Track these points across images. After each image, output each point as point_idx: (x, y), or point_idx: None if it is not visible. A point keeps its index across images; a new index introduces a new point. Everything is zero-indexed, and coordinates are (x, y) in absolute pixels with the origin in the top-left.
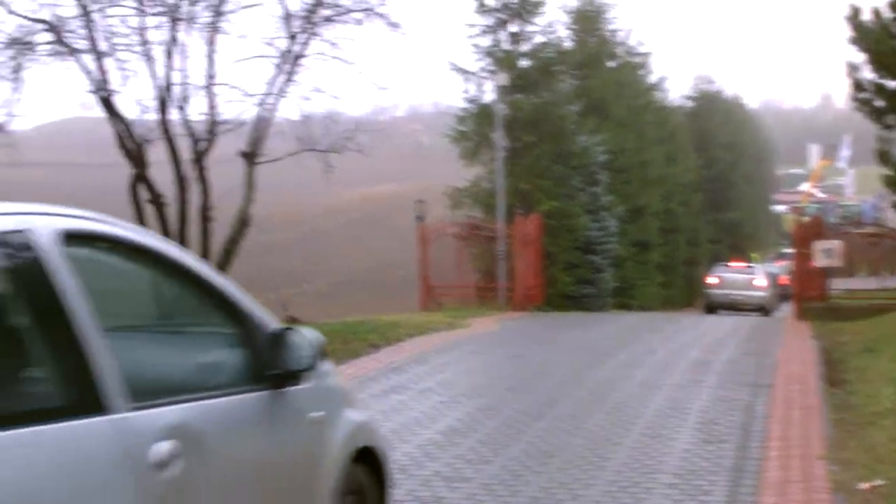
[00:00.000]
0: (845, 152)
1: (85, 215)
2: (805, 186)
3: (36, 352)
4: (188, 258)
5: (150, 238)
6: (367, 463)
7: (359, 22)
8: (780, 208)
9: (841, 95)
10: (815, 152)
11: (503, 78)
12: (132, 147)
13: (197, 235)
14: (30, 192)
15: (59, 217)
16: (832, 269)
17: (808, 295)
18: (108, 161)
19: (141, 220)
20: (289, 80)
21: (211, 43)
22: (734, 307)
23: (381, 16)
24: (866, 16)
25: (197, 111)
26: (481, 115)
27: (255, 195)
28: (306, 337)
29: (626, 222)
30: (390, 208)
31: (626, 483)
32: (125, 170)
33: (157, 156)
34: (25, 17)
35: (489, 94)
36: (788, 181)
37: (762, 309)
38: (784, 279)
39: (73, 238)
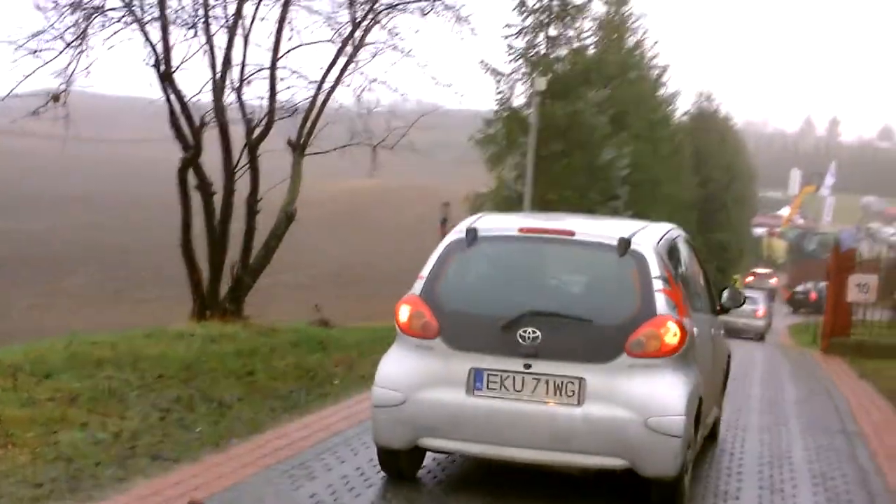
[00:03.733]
0: (830, 180)
1: (676, 227)
2: (785, 211)
3: (702, 289)
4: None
5: (689, 238)
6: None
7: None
8: (758, 231)
9: (823, 122)
10: (796, 177)
11: (542, 83)
12: (187, 129)
13: (240, 227)
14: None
15: (676, 229)
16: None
17: (837, 330)
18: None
19: (186, 206)
20: (346, 68)
21: (280, 21)
22: (735, 333)
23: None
24: None
25: (254, 95)
26: (511, 119)
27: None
28: (731, 291)
29: None
30: (369, 203)
31: None
32: (168, 151)
33: (206, 141)
34: None
35: (519, 98)
36: (766, 204)
37: (760, 336)
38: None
39: (683, 240)
